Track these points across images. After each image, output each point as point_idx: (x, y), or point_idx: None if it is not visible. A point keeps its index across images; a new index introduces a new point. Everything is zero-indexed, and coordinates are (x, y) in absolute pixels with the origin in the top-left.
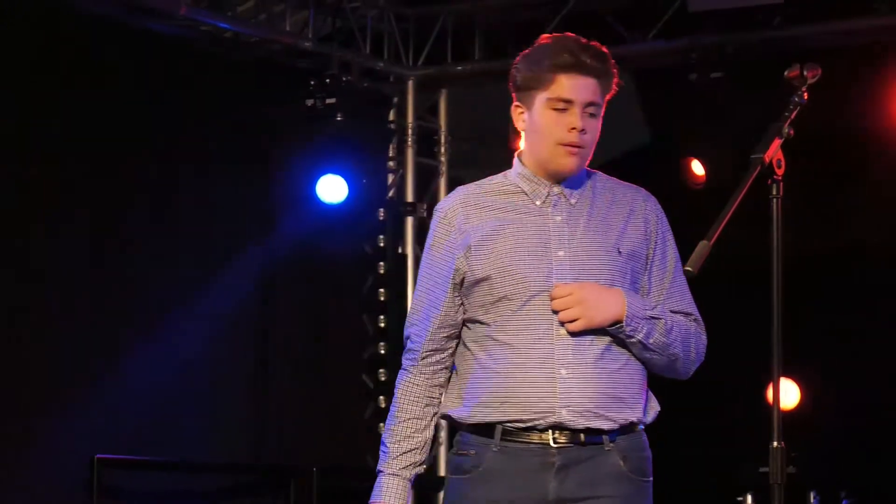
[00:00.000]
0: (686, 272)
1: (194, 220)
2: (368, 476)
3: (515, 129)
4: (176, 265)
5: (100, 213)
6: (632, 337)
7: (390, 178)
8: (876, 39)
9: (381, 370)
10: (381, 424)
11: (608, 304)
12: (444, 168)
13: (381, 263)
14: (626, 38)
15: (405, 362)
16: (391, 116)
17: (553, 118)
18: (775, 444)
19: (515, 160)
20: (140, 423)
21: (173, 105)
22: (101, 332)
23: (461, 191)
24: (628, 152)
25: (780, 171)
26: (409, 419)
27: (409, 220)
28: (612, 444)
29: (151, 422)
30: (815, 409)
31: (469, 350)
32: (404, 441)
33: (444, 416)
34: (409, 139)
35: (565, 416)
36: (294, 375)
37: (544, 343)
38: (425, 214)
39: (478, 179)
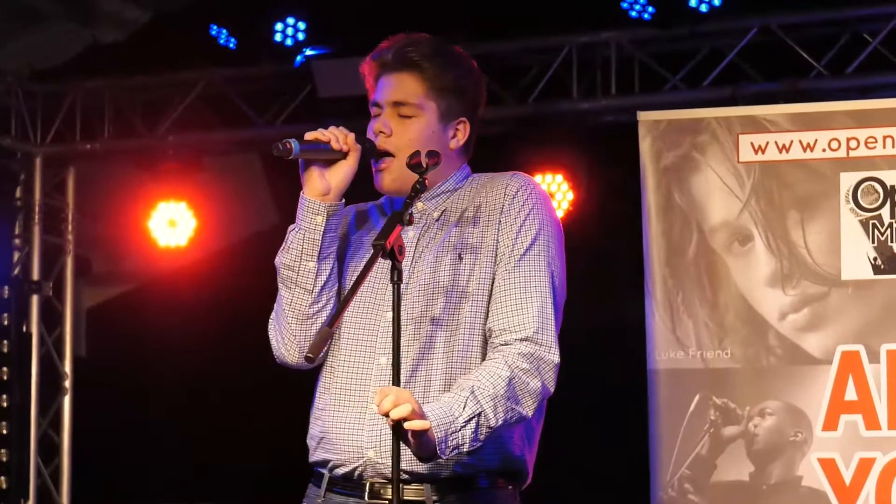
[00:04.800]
0: (306, 358)
1: None
2: None
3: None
4: None
5: None
6: (458, 451)
7: (16, 255)
8: (503, 130)
9: (2, 450)
10: None
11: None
12: (70, 246)
13: (5, 342)
14: (256, 121)
15: None
16: (17, 193)
17: (370, 125)
18: None
19: None
20: None
21: None
22: None
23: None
24: (257, 232)
25: (401, 258)
26: None
27: (35, 299)
28: (435, 501)
29: None
30: None
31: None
32: None
33: None
34: (36, 216)
35: (375, 459)
36: None
37: (360, 372)
38: (51, 293)
39: (105, 260)
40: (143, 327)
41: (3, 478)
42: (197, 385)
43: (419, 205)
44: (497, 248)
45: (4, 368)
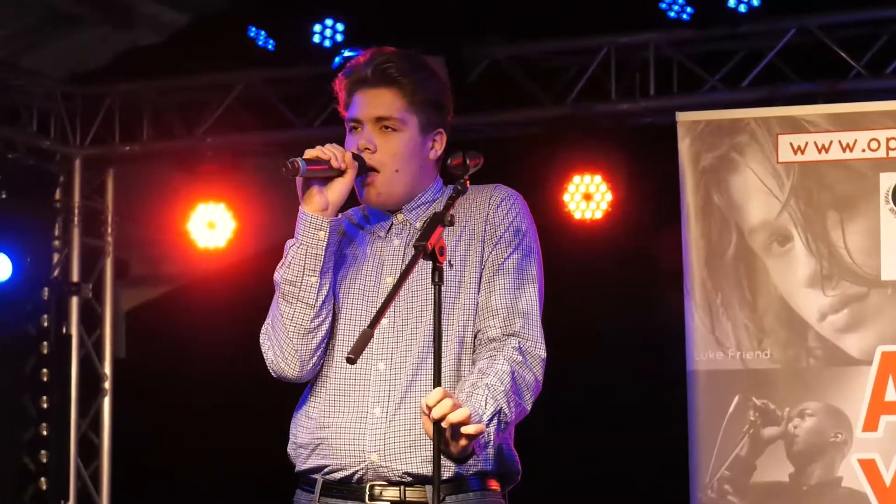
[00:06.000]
0: (348, 359)
1: None
2: None
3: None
4: None
5: None
6: (485, 449)
7: (55, 257)
8: (541, 131)
9: (42, 451)
10: None
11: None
12: (110, 248)
13: (45, 343)
14: (295, 123)
15: None
16: (57, 195)
17: (349, 141)
18: None
19: None
20: None
21: None
22: None
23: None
24: None
25: (442, 259)
26: None
27: (74, 300)
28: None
29: None
30: None
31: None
32: None
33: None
34: (75, 218)
35: (378, 462)
36: None
37: (358, 378)
38: (90, 295)
39: (144, 262)
40: (183, 329)
41: (43, 479)
42: (236, 386)
43: (399, 216)
44: (483, 254)
45: (44, 370)
